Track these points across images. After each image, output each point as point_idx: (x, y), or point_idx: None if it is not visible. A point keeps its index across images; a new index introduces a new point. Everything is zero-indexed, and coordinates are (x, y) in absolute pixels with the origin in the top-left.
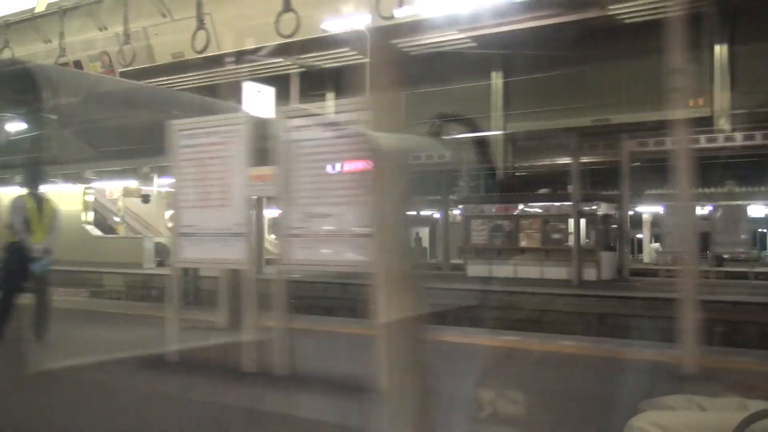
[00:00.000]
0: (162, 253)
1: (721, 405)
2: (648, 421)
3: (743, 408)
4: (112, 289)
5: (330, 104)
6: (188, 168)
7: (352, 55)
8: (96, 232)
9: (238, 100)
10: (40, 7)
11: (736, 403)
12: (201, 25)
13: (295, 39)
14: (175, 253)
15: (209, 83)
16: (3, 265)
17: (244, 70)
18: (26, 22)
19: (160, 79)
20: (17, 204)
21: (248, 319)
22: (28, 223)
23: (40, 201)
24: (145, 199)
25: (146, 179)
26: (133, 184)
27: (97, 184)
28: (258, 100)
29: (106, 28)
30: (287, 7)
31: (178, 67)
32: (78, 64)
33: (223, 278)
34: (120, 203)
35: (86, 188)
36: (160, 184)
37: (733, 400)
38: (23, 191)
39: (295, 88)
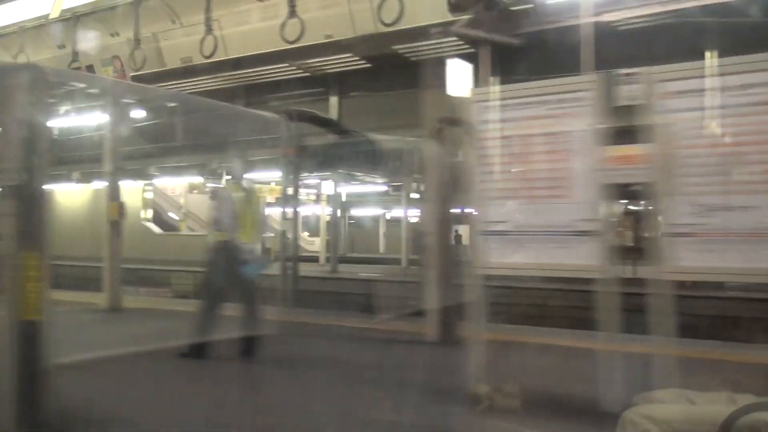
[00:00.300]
0: None
1: (710, 399)
2: (640, 414)
3: (732, 402)
4: (185, 288)
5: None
6: (498, 149)
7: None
8: (156, 229)
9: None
10: (54, 14)
11: (725, 397)
12: (209, 30)
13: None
14: (479, 255)
15: (220, 86)
16: (209, 268)
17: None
18: (41, 27)
19: (171, 82)
20: (224, 196)
21: (607, 342)
22: (236, 219)
23: (247, 192)
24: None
25: (214, 175)
26: (195, 180)
27: (158, 181)
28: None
29: (117, 34)
30: (292, 14)
31: (189, 71)
32: (90, 69)
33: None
34: (182, 200)
35: (145, 185)
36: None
37: (722, 394)
38: (228, 181)
39: (485, 65)
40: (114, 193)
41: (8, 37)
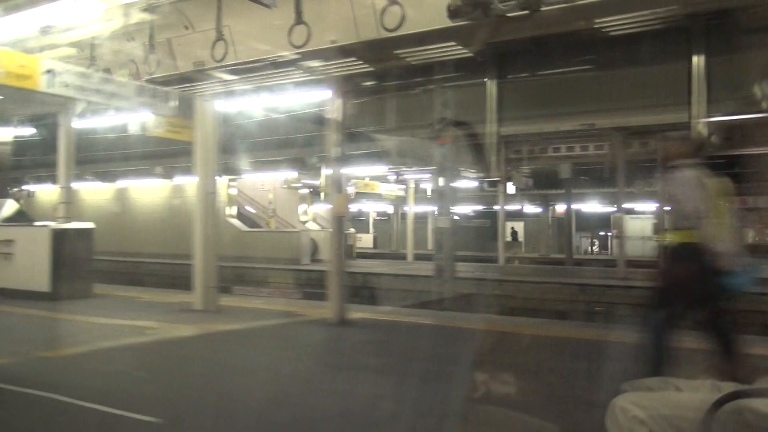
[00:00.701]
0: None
1: (695, 386)
2: (629, 401)
3: (716, 389)
4: (289, 287)
5: None
6: None
7: None
8: (241, 226)
9: None
10: None
11: (709, 385)
12: (220, 36)
13: None
14: None
15: (237, 88)
16: (666, 282)
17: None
18: (59, 33)
19: (183, 86)
20: (691, 182)
21: None
22: (709, 214)
23: (720, 180)
24: (314, 192)
25: (312, 170)
26: (289, 175)
27: (247, 176)
28: None
29: (133, 39)
30: (299, 20)
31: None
32: (107, 71)
33: None
34: (270, 195)
35: (230, 180)
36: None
37: (706, 381)
38: (694, 163)
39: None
40: (338, 186)
41: (28, 42)
